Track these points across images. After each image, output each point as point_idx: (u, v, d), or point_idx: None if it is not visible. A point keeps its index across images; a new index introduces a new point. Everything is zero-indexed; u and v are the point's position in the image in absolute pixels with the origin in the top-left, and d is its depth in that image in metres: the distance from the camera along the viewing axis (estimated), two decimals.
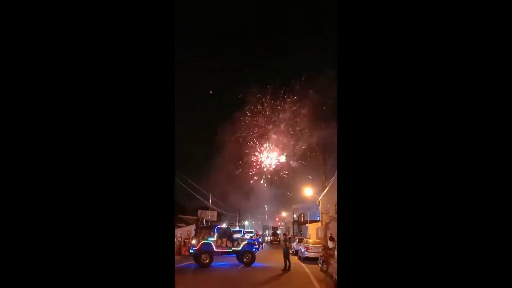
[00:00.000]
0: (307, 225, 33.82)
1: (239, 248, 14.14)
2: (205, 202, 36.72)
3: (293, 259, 15.34)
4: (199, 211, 35.39)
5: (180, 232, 20.35)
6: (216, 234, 14.00)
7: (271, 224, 54.04)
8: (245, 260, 13.89)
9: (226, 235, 14.28)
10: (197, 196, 31.60)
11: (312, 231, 29.59)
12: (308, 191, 30.02)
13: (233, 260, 14.66)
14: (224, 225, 16.42)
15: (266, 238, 39.32)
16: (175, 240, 18.38)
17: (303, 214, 44.12)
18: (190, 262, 14.00)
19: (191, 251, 13.98)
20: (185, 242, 19.03)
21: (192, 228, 20.84)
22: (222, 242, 13.95)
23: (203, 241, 13.56)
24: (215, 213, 38.23)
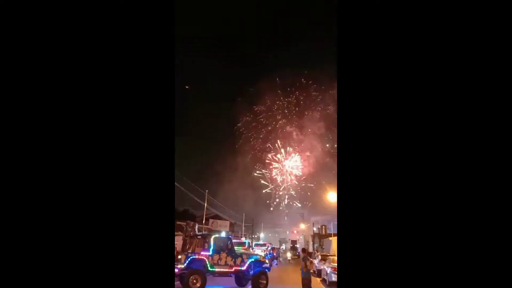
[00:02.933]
0: (330, 238, 29.28)
1: (243, 268, 9.66)
2: (217, 212, 33.90)
3: (315, 281, 10.71)
4: (210, 220, 32.69)
5: (176, 242, 16.57)
6: (211, 247, 9.62)
7: (289, 237, 49.60)
8: (259, 286, 9.55)
9: (225, 248, 9.77)
10: (205, 205, 27.96)
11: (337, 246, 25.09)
12: (332, 197, 25.70)
13: (230, 283, 10.23)
14: (222, 234, 11.73)
15: (287, 254, 34.70)
16: None
17: (325, 226, 39.96)
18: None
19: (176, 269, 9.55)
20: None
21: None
22: (220, 259, 9.51)
23: (192, 256, 9.31)
24: (228, 223, 35.18)
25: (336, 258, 13.86)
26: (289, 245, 40.50)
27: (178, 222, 20.25)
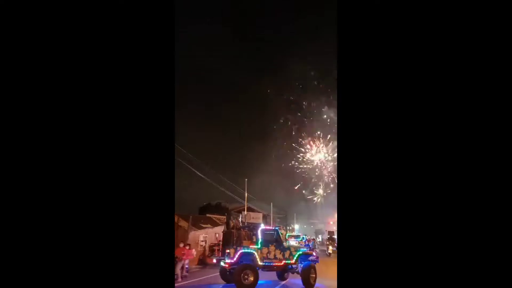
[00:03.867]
0: None
1: (292, 261, 9.04)
2: (248, 204, 33.10)
3: None
4: (242, 213, 31.97)
5: (204, 235, 15.48)
6: (259, 239, 8.94)
7: (325, 228, 47.72)
8: (311, 282, 8.83)
9: (273, 240, 9.09)
10: (235, 197, 26.98)
11: None
12: None
13: (270, 276, 9.41)
14: (270, 226, 10.78)
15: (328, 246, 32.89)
16: (198, 245, 13.75)
17: None
18: (211, 274, 9.33)
19: (222, 263, 9.01)
20: (213, 249, 13.95)
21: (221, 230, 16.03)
22: (269, 252, 8.86)
23: (243, 250, 8.59)
24: (260, 215, 34.08)
25: None
26: (326, 236, 38.64)
27: (213, 216, 19.30)
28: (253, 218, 30.92)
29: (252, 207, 33.68)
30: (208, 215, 19.89)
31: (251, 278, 8.13)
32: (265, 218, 35.41)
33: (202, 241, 14.99)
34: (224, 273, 9.10)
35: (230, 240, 9.05)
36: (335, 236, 36.14)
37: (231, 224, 9.65)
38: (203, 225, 16.09)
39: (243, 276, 8.07)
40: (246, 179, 26.79)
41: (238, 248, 8.72)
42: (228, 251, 8.71)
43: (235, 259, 8.51)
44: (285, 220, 39.40)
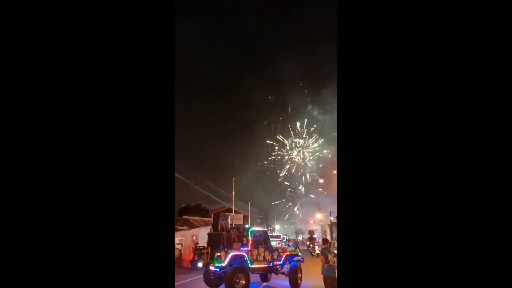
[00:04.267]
0: None
1: (280, 262, 8.91)
2: (229, 205, 32.55)
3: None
4: (222, 214, 31.19)
5: (180, 237, 14.77)
6: (250, 241, 8.64)
7: (306, 228, 47.97)
8: (298, 282, 8.83)
9: (262, 242, 8.89)
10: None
11: None
12: None
13: (253, 278, 8.96)
14: (259, 227, 10.41)
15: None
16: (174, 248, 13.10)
17: None
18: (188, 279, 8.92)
19: (211, 268, 8.34)
20: (201, 253, 12.59)
21: (199, 232, 15.35)
22: (258, 254, 8.58)
23: (233, 253, 8.21)
24: (241, 216, 33.72)
25: None
26: (307, 235, 38.89)
27: (191, 217, 18.54)
28: (234, 219, 30.49)
29: (231, 207, 33.30)
30: (185, 216, 19.26)
31: (243, 282, 7.83)
32: (246, 219, 35.17)
33: (178, 244, 14.30)
34: (208, 277, 8.60)
35: (219, 242, 8.46)
36: (315, 236, 36.41)
37: (219, 226, 9.10)
38: (179, 227, 15.45)
39: (235, 280, 7.75)
40: (234, 179, 26.16)
41: (230, 250, 8.22)
42: (218, 254, 8.13)
43: (226, 262, 8.02)
44: (265, 220, 39.27)
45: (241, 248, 8.47)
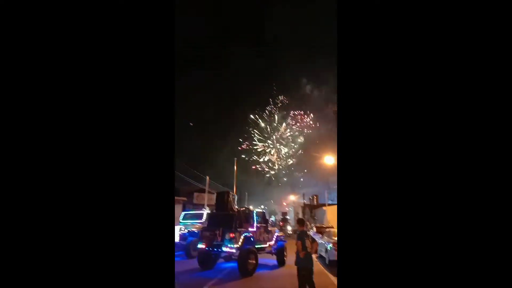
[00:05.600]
0: (324, 207, 27.22)
1: (273, 243, 9.33)
2: (200, 185, 31.24)
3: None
4: (195, 194, 29.77)
5: None
6: (255, 222, 8.78)
7: (278, 209, 48.00)
8: (284, 260, 9.39)
9: (262, 223, 9.17)
10: (189, 180, 25.02)
11: (333, 217, 22.70)
12: (329, 160, 23.38)
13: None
14: (260, 210, 10.70)
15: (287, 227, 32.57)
16: None
17: (316, 196, 38.20)
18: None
19: (224, 249, 8.06)
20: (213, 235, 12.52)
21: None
22: (260, 234, 8.84)
23: (245, 233, 8.24)
24: (214, 196, 32.47)
25: (336, 230, 11.14)
26: (280, 217, 38.70)
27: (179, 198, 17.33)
28: (204, 199, 29.33)
29: (203, 187, 32.07)
30: None
31: (254, 262, 7.86)
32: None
33: None
34: (206, 258, 8.38)
35: (230, 223, 8.22)
36: (288, 217, 36.30)
37: (228, 206, 8.95)
38: None
39: (249, 261, 7.73)
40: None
41: (242, 231, 8.22)
42: (233, 235, 7.97)
43: (239, 243, 7.93)
44: (237, 201, 38.42)
45: (250, 229, 8.52)
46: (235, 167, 25.78)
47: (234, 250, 7.89)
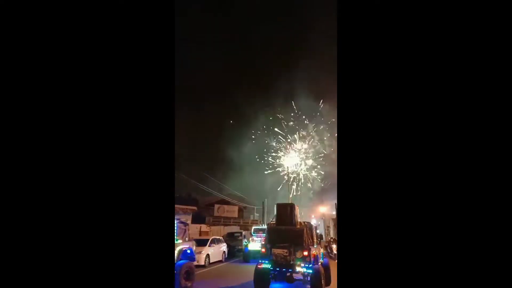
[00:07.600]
0: None
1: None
2: (223, 196, 28.09)
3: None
4: (216, 206, 27.15)
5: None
6: (317, 238, 8.17)
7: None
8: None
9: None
10: (208, 189, 24.88)
11: None
12: None
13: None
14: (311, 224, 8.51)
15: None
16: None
17: None
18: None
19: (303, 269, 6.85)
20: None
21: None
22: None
23: (314, 251, 7.19)
24: (236, 208, 29.54)
25: None
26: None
27: (188, 207, 12.61)
28: (227, 211, 27.05)
29: (227, 199, 29.32)
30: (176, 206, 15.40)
31: (324, 282, 7.02)
32: (241, 212, 30.78)
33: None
34: (264, 277, 6.98)
35: (301, 240, 6.93)
36: (318, 232, 34.61)
37: (295, 221, 7.41)
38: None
39: (322, 282, 6.70)
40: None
41: (311, 248, 7.04)
42: (306, 253, 6.78)
43: (312, 261, 6.87)
44: (262, 212, 32.53)
45: (314, 247, 7.42)
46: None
47: (311, 271, 6.60)
